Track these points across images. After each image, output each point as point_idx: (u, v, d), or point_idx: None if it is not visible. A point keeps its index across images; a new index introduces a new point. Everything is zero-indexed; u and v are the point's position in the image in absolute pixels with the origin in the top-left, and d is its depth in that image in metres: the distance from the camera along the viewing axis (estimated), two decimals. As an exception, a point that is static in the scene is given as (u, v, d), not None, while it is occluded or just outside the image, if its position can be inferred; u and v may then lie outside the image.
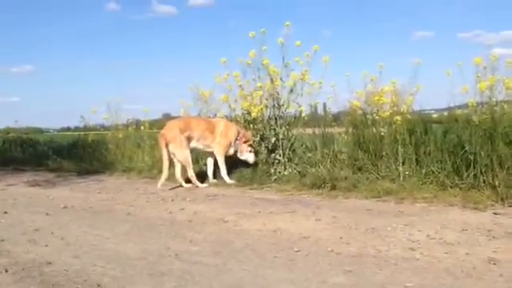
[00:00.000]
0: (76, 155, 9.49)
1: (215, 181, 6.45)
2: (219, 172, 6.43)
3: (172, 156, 6.24)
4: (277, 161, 6.37)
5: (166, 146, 6.20)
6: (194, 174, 6.20)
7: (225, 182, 6.29)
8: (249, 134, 6.52)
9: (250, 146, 6.43)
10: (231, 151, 6.47)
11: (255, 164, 6.46)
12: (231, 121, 6.91)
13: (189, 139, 6.29)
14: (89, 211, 4.85)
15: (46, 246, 3.47)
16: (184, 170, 6.26)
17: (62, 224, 4.22)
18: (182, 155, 6.19)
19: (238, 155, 6.48)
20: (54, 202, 5.45)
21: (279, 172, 6.23)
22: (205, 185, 6.23)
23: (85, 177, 7.80)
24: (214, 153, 6.42)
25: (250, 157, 6.44)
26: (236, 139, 6.41)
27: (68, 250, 3.35)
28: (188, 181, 6.26)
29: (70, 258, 3.14)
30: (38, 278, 2.73)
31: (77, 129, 13.86)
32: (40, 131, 20.34)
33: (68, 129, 21.03)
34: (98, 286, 2.58)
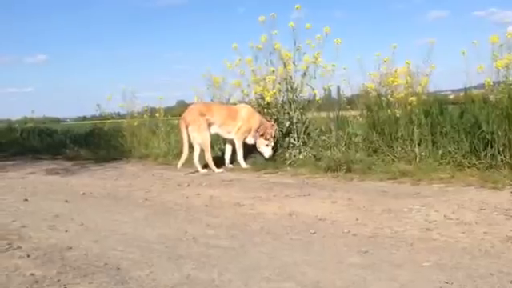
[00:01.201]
0: (93, 143, 9.61)
1: (231, 166, 6.49)
2: (235, 157, 6.46)
3: (191, 139, 6.30)
4: (291, 145, 6.38)
5: (186, 128, 6.27)
6: (211, 157, 6.26)
7: (241, 166, 6.32)
8: (270, 128, 6.31)
9: (267, 139, 6.29)
10: (251, 140, 6.44)
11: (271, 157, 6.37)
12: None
13: (209, 123, 6.33)
14: (107, 197, 4.92)
15: (66, 231, 3.53)
16: (202, 154, 6.32)
17: (81, 210, 4.28)
18: (201, 137, 6.25)
19: (257, 146, 6.44)
20: (72, 189, 5.53)
21: (294, 156, 6.24)
22: (221, 170, 6.27)
23: (102, 164, 7.89)
24: (233, 137, 6.44)
25: (265, 151, 6.35)
26: (257, 130, 6.33)
27: (88, 235, 3.41)
28: (205, 166, 6.31)
29: (89, 242, 3.19)
30: (59, 263, 2.78)
31: (93, 117, 14.00)
32: (57, 121, 20.64)
33: (84, 118, 21.26)
34: (118, 269, 2.63)
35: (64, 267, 2.69)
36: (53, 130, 12.77)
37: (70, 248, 3.07)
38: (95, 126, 10.97)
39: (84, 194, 5.12)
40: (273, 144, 6.34)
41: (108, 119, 10.44)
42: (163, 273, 2.53)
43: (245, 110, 6.49)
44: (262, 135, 6.30)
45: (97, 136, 10.04)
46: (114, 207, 4.38)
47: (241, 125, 6.38)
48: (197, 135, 6.27)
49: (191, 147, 6.35)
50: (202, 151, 6.32)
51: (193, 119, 6.29)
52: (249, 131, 6.40)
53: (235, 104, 7.05)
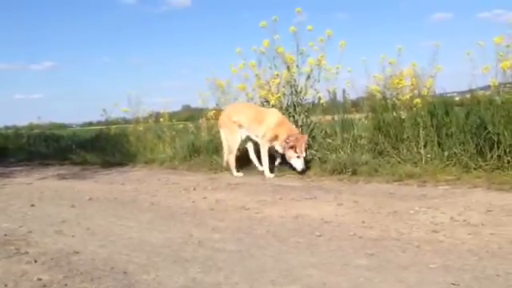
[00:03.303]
0: (99, 148, 9.61)
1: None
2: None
3: (225, 140, 6.33)
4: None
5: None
6: (233, 162, 6.22)
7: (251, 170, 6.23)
8: (301, 140, 5.71)
9: (297, 152, 5.66)
10: (280, 149, 5.95)
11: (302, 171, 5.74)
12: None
13: (240, 126, 6.22)
14: (113, 202, 4.93)
15: (73, 236, 3.54)
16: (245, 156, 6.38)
17: (87, 215, 4.30)
18: (230, 140, 6.26)
19: (287, 158, 5.90)
20: (79, 194, 5.55)
21: (300, 159, 6.21)
22: (240, 174, 6.17)
23: (108, 169, 7.92)
24: (259, 141, 6.14)
25: (297, 164, 5.72)
26: (286, 140, 5.74)
27: (94, 239, 3.42)
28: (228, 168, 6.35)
29: (96, 247, 3.21)
30: (66, 267, 2.79)
31: (99, 123, 14.08)
32: (63, 127, 20.76)
33: (90, 124, 21.33)
34: (125, 273, 2.63)
35: (71, 272, 2.70)
36: (59, 136, 12.84)
37: (77, 252, 3.08)
38: (101, 132, 11.02)
39: (90, 198, 5.14)
40: (304, 155, 5.73)
41: (114, 124, 10.49)
42: (169, 276, 2.54)
43: (272, 118, 6.03)
44: (291, 147, 5.70)
45: (103, 141, 10.06)
46: (120, 212, 4.39)
47: (265, 130, 5.99)
48: (227, 137, 6.30)
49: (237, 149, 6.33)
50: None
51: (223, 122, 6.35)
52: (275, 138, 5.94)
53: (270, 106, 6.59)
